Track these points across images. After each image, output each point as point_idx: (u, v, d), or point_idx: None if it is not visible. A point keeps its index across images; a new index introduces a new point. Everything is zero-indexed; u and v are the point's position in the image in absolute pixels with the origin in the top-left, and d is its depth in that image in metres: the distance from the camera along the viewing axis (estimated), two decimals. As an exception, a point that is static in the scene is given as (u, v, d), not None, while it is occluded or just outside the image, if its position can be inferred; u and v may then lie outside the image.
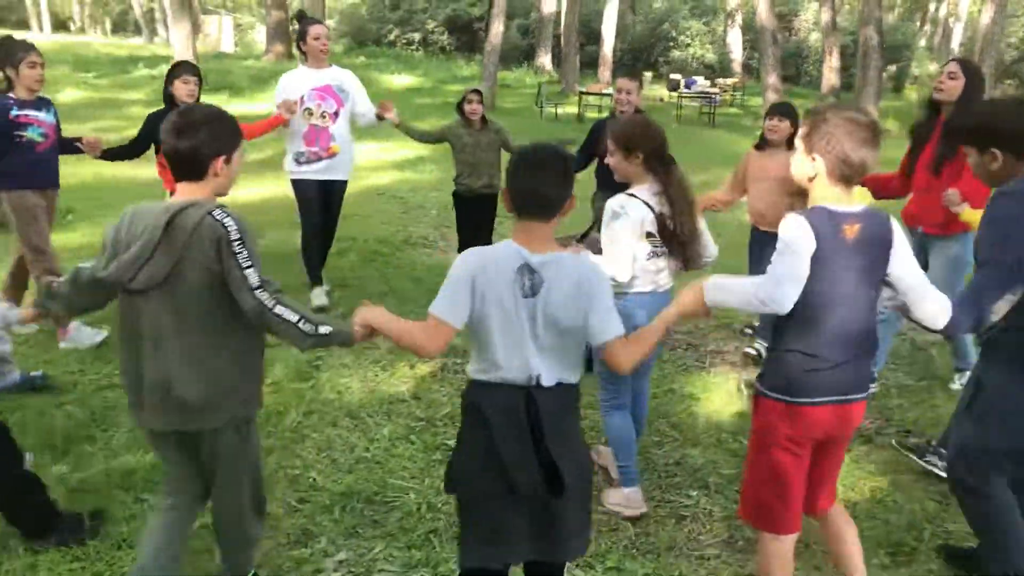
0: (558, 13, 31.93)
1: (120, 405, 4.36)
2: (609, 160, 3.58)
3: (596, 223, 4.03)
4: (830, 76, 26.90)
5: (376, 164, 12.13)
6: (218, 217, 2.45)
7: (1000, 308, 2.90)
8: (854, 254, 2.56)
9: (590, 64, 31.47)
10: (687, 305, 2.74)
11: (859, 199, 2.69)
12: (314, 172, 6.06)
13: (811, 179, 2.64)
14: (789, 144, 5.14)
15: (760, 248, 5.47)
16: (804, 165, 2.65)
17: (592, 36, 31.68)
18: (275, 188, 9.38)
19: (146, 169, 6.07)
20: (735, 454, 4.21)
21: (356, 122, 6.29)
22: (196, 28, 39.32)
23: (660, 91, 27.23)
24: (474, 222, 6.40)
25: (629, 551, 3.44)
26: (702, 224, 3.57)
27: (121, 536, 3.34)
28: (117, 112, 16.46)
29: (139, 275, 2.44)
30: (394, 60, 31.82)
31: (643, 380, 3.94)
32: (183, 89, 5.50)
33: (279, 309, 2.48)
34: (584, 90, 20.63)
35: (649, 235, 3.44)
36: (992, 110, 3.24)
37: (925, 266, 4.39)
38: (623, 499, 3.72)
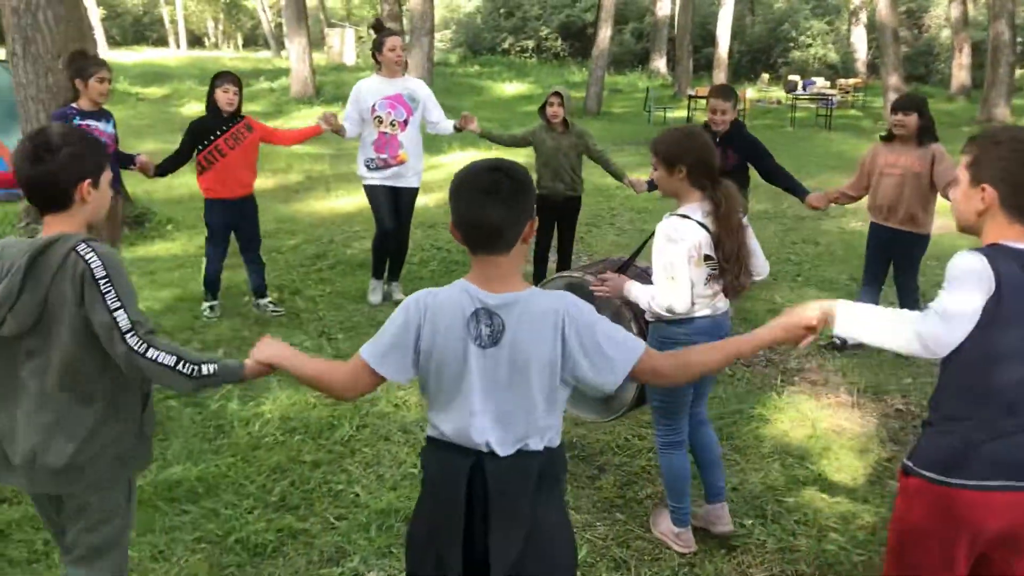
0: (673, 16, 31.47)
1: (180, 417, 4.46)
2: (652, 175, 3.35)
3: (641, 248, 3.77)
4: (960, 74, 25.70)
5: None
6: (82, 252, 2.15)
7: None
8: None
9: (706, 66, 30.91)
10: (795, 326, 2.20)
11: None
12: (383, 178, 6.19)
13: (980, 214, 2.20)
14: (920, 139, 5.12)
15: (881, 246, 5.39)
16: (972, 199, 2.21)
17: (708, 38, 31.10)
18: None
19: None
20: (799, 481, 3.96)
21: (429, 131, 6.38)
22: (321, 41, 40.82)
23: (778, 93, 26.50)
24: (554, 227, 6.40)
25: (669, 583, 3.27)
26: (753, 241, 3.30)
27: (157, 548, 3.37)
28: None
29: (5, 322, 2.15)
30: (507, 68, 32.08)
31: (699, 407, 3.61)
32: (223, 98, 5.69)
33: (151, 352, 2.17)
34: (693, 94, 20.21)
35: (707, 258, 3.16)
36: None
37: None
38: (672, 535, 3.50)
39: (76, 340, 2.18)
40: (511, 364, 2.02)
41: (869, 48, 31.24)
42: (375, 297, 6.47)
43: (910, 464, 2.22)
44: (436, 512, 2.09)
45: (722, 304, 3.32)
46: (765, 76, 28.91)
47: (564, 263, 6.49)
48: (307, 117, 18.47)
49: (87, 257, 2.15)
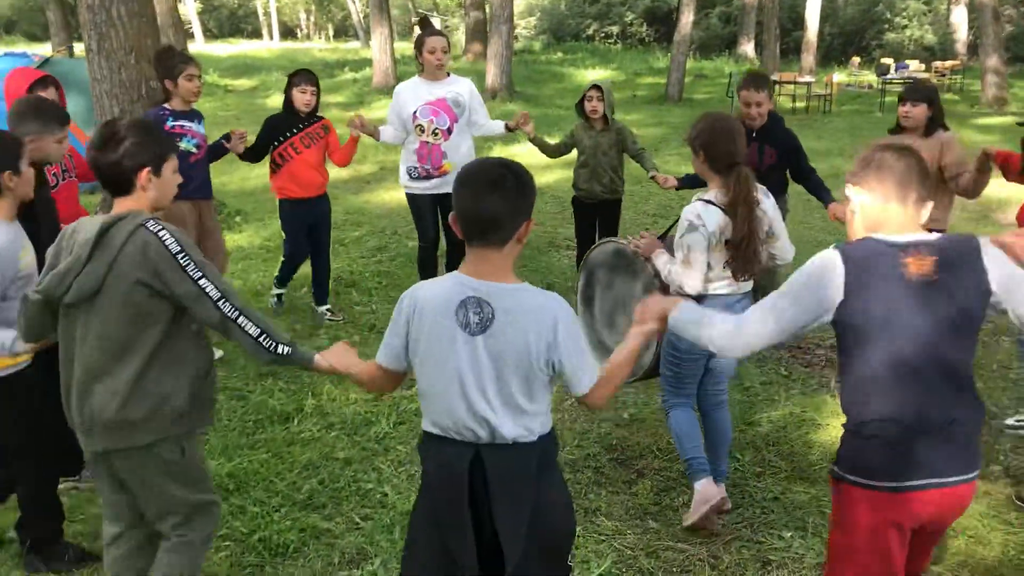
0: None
1: (221, 410, 4.49)
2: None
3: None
4: (1067, 54, 24.30)
5: (545, 163, 12.01)
6: (153, 229, 2.38)
7: None
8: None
9: (795, 50, 30.03)
10: (648, 323, 2.48)
11: None
12: (427, 187, 5.77)
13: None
14: (927, 129, 4.77)
15: None
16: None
17: (798, 21, 30.18)
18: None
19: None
20: (846, 491, 3.76)
21: (475, 133, 5.89)
22: (410, 30, 41.15)
23: (869, 77, 25.58)
24: (595, 229, 5.98)
25: (697, 598, 3.13)
26: (777, 225, 3.44)
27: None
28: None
29: (70, 289, 2.38)
30: (590, 54, 31.74)
31: (717, 386, 3.69)
32: (300, 98, 5.57)
33: (242, 320, 2.45)
34: (777, 79, 19.62)
35: (727, 242, 3.30)
36: None
37: None
38: (698, 498, 3.47)
39: (128, 307, 2.39)
40: (499, 352, 2.09)
41: (970, 29, 29.86)
42: None
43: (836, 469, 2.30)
44: (439, 506, 2.17)
45: (746, 284, 3.44)
46: (856, 59, 27.85)
47: None
48: (387, 107, 18.61)
49: (160, 233, 2.38)
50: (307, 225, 5.86)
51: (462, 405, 2.11)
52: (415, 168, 5.71)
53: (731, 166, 3.26)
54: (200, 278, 2.39)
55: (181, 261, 2.37)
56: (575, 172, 5.98)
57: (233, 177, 10.48)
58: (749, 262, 3.29)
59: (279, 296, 6.12)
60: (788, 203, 5.40)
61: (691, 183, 5.26)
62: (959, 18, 30.67)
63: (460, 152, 5.70)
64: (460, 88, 5.73)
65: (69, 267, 2.37)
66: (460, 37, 33.41)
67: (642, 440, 4.26)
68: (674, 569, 3.29)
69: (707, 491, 3.46)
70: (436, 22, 38.50)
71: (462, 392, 2.11)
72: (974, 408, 2.21)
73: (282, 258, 6.04)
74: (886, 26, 32.65)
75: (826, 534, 3.45)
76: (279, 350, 2.49)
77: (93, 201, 8.41)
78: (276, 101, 19.31)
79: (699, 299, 3.22)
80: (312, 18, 65.54)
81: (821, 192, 5.13)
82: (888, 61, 24.96)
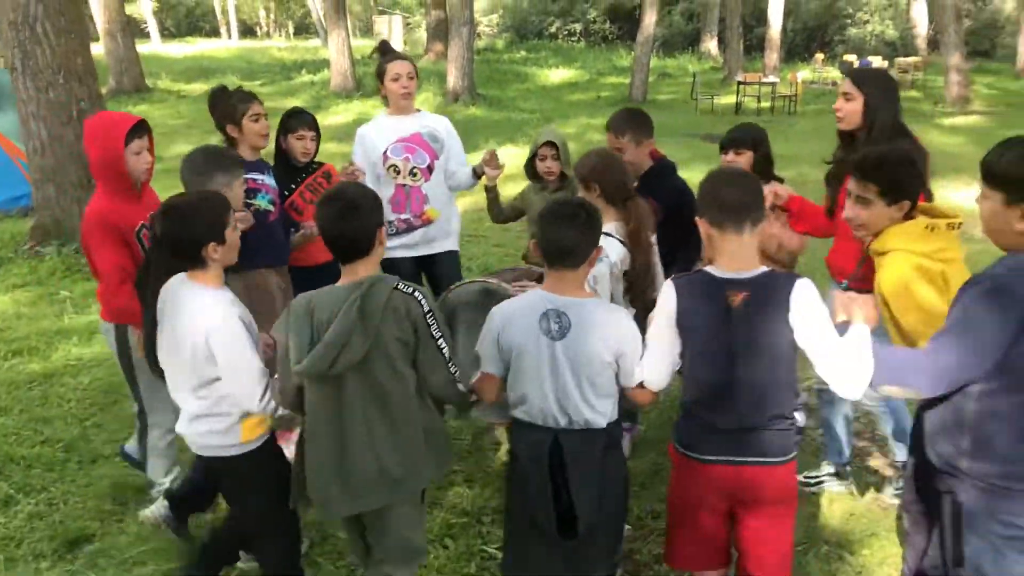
0: (724, -5, 30.51)
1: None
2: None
3: None
4: (1028, 50, 24.42)
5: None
6: (406, 291, 2.56)
7: None
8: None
9: (759, 47, 29.91)
10: None
11: None
12: (408, 248, 4.63)
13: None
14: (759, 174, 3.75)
15: None
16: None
17: (761, 17, 30.04)
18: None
19: None
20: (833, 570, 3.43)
21: (449, 182, 4.72)
22: (370, 29, 40.49)
23: (833, 74, 25.47)
24: None
25: None
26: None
27: None
28: (273, 120, 16.75)
29: (339, 359, 2.49)
30: (554, 53, 31.49)
31: None
32: (299, 146, 4.39)
33: (460, 386, 2.71)
34: (741, 79, 19.40)
35: (625, 273, 3.47)
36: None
37: None
38: None
39: (401, 367, 2.59)
40: (575, 355, 2.59)
41: (930, 23, 29.89)
42: None
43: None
44: (527, 479, 2.67)
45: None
46: (819, 56, 27.77)
47: None
48: (345, 112, 18.13)
49: (416, 296, 2.57)
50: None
51: (545, 397, 2.62)
52: (392, 222, 4.57)
53: (626, 198, 3.47)
54: (440, 338, 2.61)
55: (429, 321, 2.59)
56: (529, 242, 4.38)
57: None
58: (645, 291, 3.47)
59: None
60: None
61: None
62: (919, 13, 30.73)
63: (444, 196, 4.70)
64: (434, 122, 4.72)
65: (334, 339, 2.47)
66: (422, 35, 32.96)
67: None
68: None
69: None
70: (397, 20, 37.97)
71: (544, 387, 2.62)
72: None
73: None
74: (848, 21, 32.71)
75: None
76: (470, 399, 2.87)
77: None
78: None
79: None
80: (272, 15, 64.64)
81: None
82: (851, 58, 24.92)
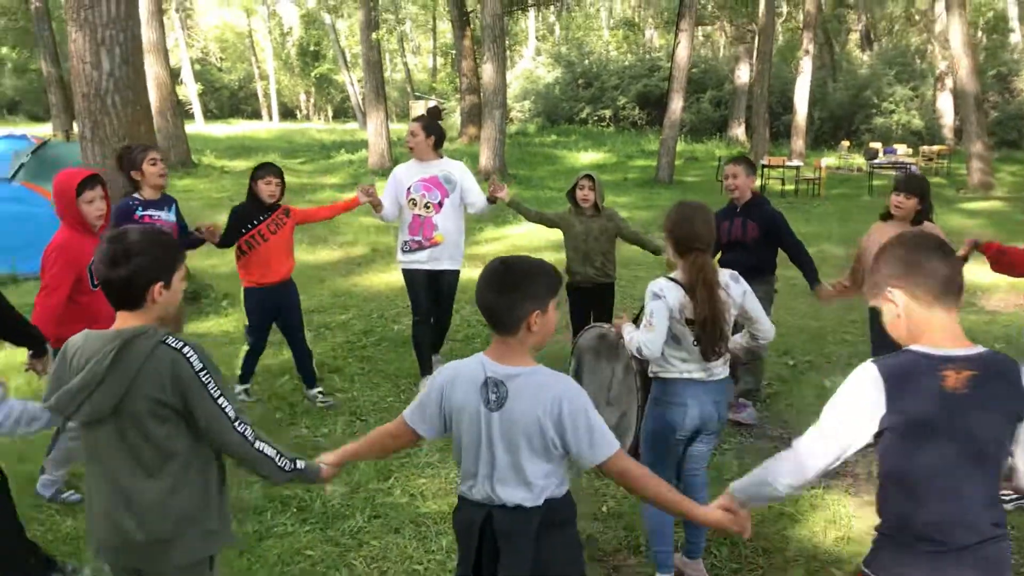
0: (752, 84, 31.31)
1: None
2: None
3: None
4: (1051, 139, 24.79)
5: (532, 244, 12.14)
6: (175, 346, 2.33)
7: None
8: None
9: (786, 133, 30.56)
10: (722, 522, 2.51)
11: None
12: (419, 262, 6.12)
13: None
14: (914, 220, 5.04)
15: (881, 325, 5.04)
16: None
17: (788, 105, 30.76)
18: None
19: (298, 251, 6.26)
20: (823, 589, 3.72)
21: (468, 211, 6.32)
22: (407, 113, 41.85)
23: (858, 160, 25.98)
24: (589, 312, 5.97)
25: None
26: (752, 307, 3.62)
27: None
28: (311, 196, 17.47)
29: (82, 407, 2.33)
30: (584, 137, 32.29)
31: (695, 466, 3.81)
32: (265, 189, 5.72)
33: (259, 444, 2.45)
34: (765, 163, 19.93)
35: (690, 321, 3.48)
36: None
37: None
38: None
39: (147, 427, 2.34)
40: (511, 427, 2.39)
41: (956, 114, 30.42)
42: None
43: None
44: (461, 556, 2.57)
45: (719, 370, 3.59)
46: (845, 143, 28.32)
47: None
48: (380, 189, 18.80)
49: (184, 351, 2.34)
50: (274, 311, 5.91)
51: (478, 472, 2.45)
52: (407, 242, 6.11)
53: (691, 250, 3.48)
54: (219, 397, 2.36)
55: (203, 379, 2.34)
56: (567, 258, 6.06)
57: (224, 259, 10.53)
58: (714, 341, 3.45)
59: (246, 391, 6.05)
60: (775, 284, 5.63)
61: None
62: (945, 104, 31.35)
63: (451, 226, 6.14)
64: (451, 168, 6.20)
65: (82, 384, 2.30)
66: (456, 120, 34.00)
67: (618, 535, 4.21)
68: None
69: None
70: (420, 106, 39.17)
71: (478, 461, 2.44)
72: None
73: (243, 352, 5.98)
74: (874, 111, 33.28)
75: (801, 634, 3.42)
76: (297, 465, 2.54)
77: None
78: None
79: (668, 383, 3.56)
80: (312, 100, 66.79)
81: (808, 272, 5.40)
82: (876, 145, 25.41)
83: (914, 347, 2.16)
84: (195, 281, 8.99)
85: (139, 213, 5.22)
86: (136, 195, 5.30)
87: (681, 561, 3.81)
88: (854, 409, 2.16)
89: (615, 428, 3.73)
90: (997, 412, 2.12)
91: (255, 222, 5.75)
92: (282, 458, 2.49)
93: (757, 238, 5.40)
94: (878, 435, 2.16)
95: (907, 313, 2.20)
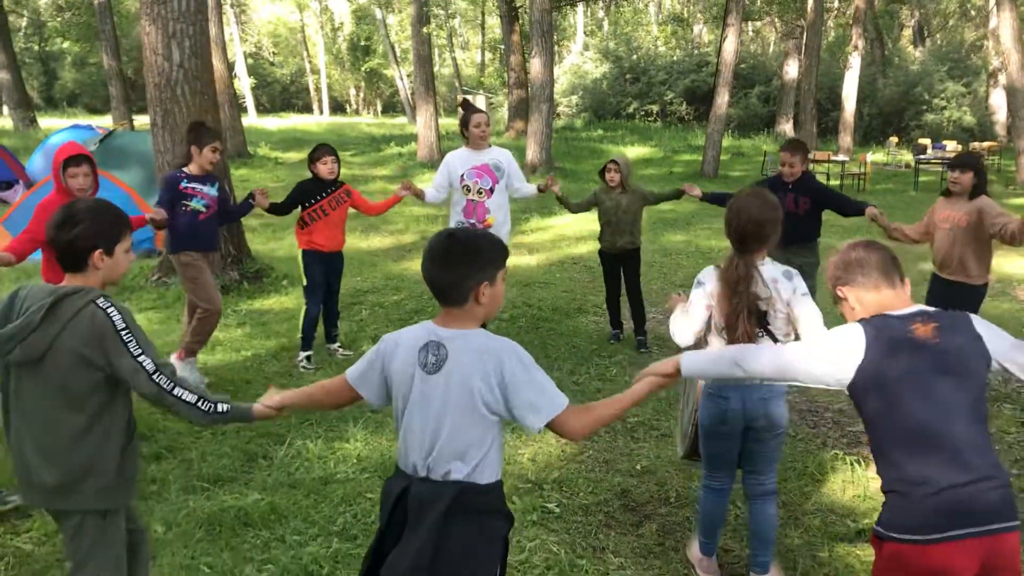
0: (799, 79, 31.25)
1: (267, 454, 4.91)
2: None
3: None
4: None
5: (576, 234, 12.50)
6: (102, 306, 2.59)
7: None
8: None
9: (834, 129, 30.48)
10: (656, 379, 2.74)
11: None
12: None
13: None
14: (972, 194, 5.46)
15: (937, 296, 5.60)
16: None
17: (837, 101, 30.67)
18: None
19: (352, 238, 6.73)
20: (837, 537, 4.04)
21: (512, 195, 6.76)
22: (454, 107, 42.39)
23: (906, 157, 25.88)
24: (619, 275, 7.24)
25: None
26: (801, 310, 3.35)
27: (227, 567, 3.77)
28: (363, 186, 17.97)
29: (14, 352, 2.60)
30: (630, 132, 32.49)
31: (761, 473, 3.63)
32: (323, 168, 6.53)
33: (178, 391, 2.65)
34: (812, 158, 20.04)
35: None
36: None
37: None
38: (697, 560, 3.84)
39: (66, 377, 2.61)
40: (447, 390, 2.35)
41: (1009, 111, 30.11)
42: None
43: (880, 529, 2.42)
44: (377, 530, 2.49)
45: None
46: (894, 139, 28.19)
47: (635, 304, 7.22)
48: (430, 181, 19.26)
49: (108, 311, 2.60)
50: (326, 274, 6.65)
51: (407, 440, 2.42)
52: (462, 223, 6.59)
53: (745, 247, 3.35)
54: (139, 354, 2.59)
55: (124, 337, 2.58)
56: (601, 229, 7.21)
57: (282, 243, 11.06)
58: (741, 339, 3.27)
59: (308, 357, 6.60)
60: (818, 252, 6.22)
61: (714, 199, 6.49)
62: (998, 100, 30.99)
63: (501, 209, 6.65)
64: (500, 156, 6.69)
65: (18, 330, 2.57)
66: (504, 114, 34.37)
67: (651, 489, 4.58)
68: (671, 598, 3.59)
69: (707, 567, 3.78)
70: (481, 100, 39.62)
71: (409, 428, 2.40)
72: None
73: (301, 315, 6.59)
74: (925, 107, 33.01)
75: (814, 574, 3.76)
76: (219, 408, 2.72)
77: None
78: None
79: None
80: (361, 94, 67.70)
81: (857, 206, 6.00)
82: (925, 141, 25.29)
83: (883, 314, 2.54)
84: (257, 262, 9.50)
85: (184, 184, 5.87)
86: (184, 168, 5.97)
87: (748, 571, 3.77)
88: (838, 348, 2.50)
89: (684, 417, 3.96)
90: (968, 353, 2.44)
91: (318, 197, 6.52)
92: (205, 402, 2.69)
93: (809, 210, 6.09)
94: (862, 394, 2.46)
95: (861, 303, 2.62)
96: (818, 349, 2.59)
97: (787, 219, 5.69)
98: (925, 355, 2.41)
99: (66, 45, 44.83)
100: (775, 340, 3.34)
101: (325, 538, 4.02)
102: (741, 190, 3.67)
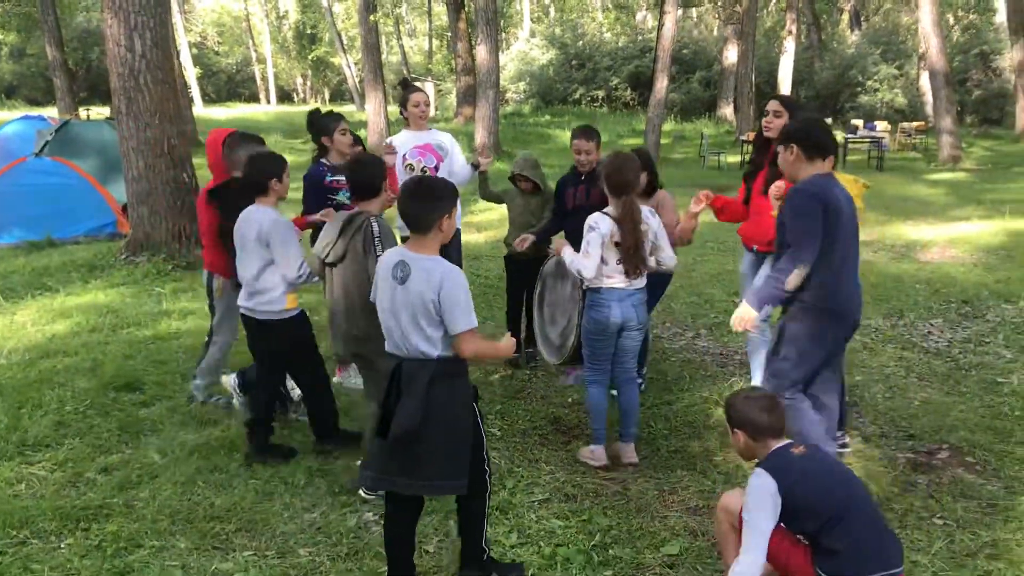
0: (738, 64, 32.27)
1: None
2: None
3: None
4: (1023, 116, 25.89)
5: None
6: (372, 221, 4.12)
7: (792, 281, 3.87)
8: None
9: (771, 112, 31.50)
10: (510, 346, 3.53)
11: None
12: None
13: None
14: (647, 191, 5.43)
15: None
16: None
17: (775, 84, 31.74)
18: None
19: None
20: (729, 446, 4.83)
21: (451, 179, 6.76)
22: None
23: (840, 136, 27.01)
24: (523, 294, 6.41)
25: (603, 508, 4.20)
26: (661, 240, 4.63)
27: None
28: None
29: (329, 254, 4.19)
30: (577, 117, 33.19)
31: (627, 364, 4.76)
32: (342, 141, 5.65)
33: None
34: (744, 138, 21.01)
35: (617, 244, 4.47)
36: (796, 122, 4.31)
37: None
38: (590, 453, 4.74)
39: (355, 266, 4.13)
40: (409, 297, 3.22)
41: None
42: None
43: None
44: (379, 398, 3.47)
45: (638, 282, 4.58)
46: (829, 121, 29.33)
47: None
48: (381, 165, 19.82)
49: (372, 223, 4.12)
50: None
51: (393, 331, 3.31)
52: None
53: (624, 192, 4.47)
54: (378, 246, 4.06)
55: (375, 240, 4.08)
56: (509, 230, 6.39)
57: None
58: (636, 264, 4.51)
59: None
60: None
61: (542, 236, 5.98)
62: (928, 82, 32.26)
63: None
64: (442, 137, 6.55)
65: (329, 241, 4.17)
66: (452, 101, 34.89)
67: (580, 416, 5.34)
68: (590, 493, 4.35)
69: (597, 454, 4.72)
70: (429, 87, 40.10)
71: (393, 323, 3.29)
72: None
73: None
74: (859, 89, 34.29)
75: (711, 473, 4.54)
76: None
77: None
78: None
79: (598, 291, 4.52)
80: (308, 83, 67.55)
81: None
82: (858, 122, 26.42)
83: None
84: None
85: (328, 179, 5.49)
86: (324, 160, 5.57)
87: (617, 445, 4.79)
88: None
89: (564, 331, 5.13)
90: None
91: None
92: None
93: (595, 203, 5.37)
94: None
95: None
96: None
97: (577, 213, 5.44)
98: None
99: (0, 36, 44.25)
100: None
101: (303, 456, 4.74)
102: (614, 153, 4.70)
